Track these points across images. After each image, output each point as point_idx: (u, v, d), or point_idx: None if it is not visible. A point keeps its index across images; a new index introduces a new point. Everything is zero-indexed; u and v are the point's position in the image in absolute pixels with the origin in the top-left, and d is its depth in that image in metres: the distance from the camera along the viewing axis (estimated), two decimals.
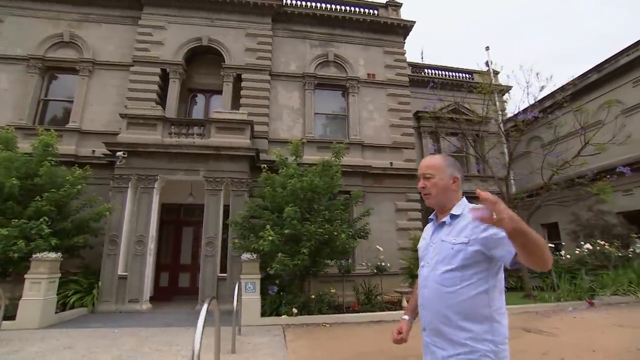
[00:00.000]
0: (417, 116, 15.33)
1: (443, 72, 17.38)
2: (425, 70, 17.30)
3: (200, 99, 12.59)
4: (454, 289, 1.33)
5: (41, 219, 7.04)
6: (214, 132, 9.75)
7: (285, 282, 8.12)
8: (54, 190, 7.42)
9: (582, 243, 9.78)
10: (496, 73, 16.58)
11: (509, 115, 12.76)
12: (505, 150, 14.53)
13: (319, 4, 13.03)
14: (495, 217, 1.08)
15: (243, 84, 11.57)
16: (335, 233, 7.31)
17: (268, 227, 7.01)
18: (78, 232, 8.02)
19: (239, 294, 6.19)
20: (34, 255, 6.75)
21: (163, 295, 10.09)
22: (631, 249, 9.89)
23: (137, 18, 11.73)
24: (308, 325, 6.93)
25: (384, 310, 7.95)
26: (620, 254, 9.52)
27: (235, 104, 11.38)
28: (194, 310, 8.44)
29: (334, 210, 7.85)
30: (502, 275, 1.35)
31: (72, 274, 8.37)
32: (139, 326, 6.71)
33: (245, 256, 7.33)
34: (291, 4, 12.76)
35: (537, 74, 10.54)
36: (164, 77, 11.41)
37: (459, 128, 12.96)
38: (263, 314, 7.23)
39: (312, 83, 12.20)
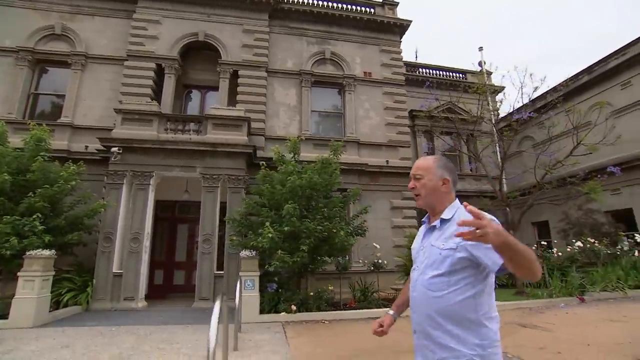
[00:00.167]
0: (412, 115, 15.46)
1: (437, 72, 17.57)
2: (419, 69, 17.45)
3: (196, 95, 12.45)
4: (441, 293, 1.33)
5: (34, 216, 6.87)
6: (210, 129, 9.66)
7: (284, 279, 8.13)
8: (47, 186, 7.25)
9: (574, 241, 10.04)
10: (489, 74, 16.83)
11: (503, 114, 12.92)
12: (498, 150, 14.81)
13: (316, 1, 13.00)
14: (479, 232, 1.08)
15: (240, 80, 11.48)
16: (335, 230, 7.34)
17: (267, 224, 6.99)
18: (72, 229, 7.86)
19: (238, 291, 6.18)
20: (27, 253, 6.59)
21: (158, 293, 9.97)
22: (619, 247, 10.19)
23: (130, 12, 11.51)
24: (307, 322, 6.95)
25: (380, 307, 8.02)
26: (609, 252, 9.80)
27: (232, 101, 11.29)
28: (191, 308, 8.38)
29: (332, 207, 7.87)
30: (491, 280, 1.34)
31: (65, 272, 8.20)
32: (135, 324, 6.62)
33: (245, 253, 7.30)
34: (288, 0, 12.69)
35: (531, 75, 10.75)
36: (159, 72, 11.24)
37: (452, 127, 13.13)
38: (262, 311, 7.22)
39: (308, 80, 12.19)
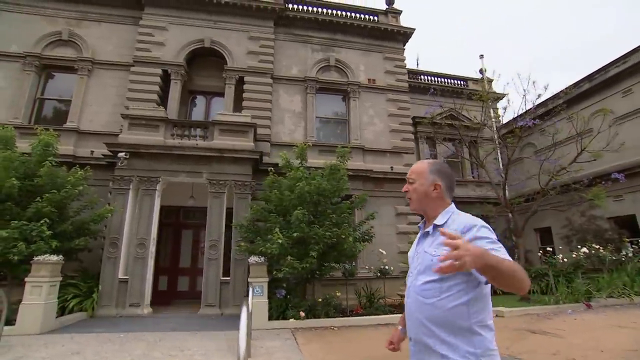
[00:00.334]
0: (414, 122, 15.54)
1: (438, 79, 17.71)
2: (421, 76, 17.60)
3: (201, 100, 12.50)
4: (433, 300, 1.31)
5: (42, 221, 6.83)
6: (217, 134, 9.68)
7: (291, 285, 8.09)
8: (54, 191, 7.22)
9: (579, 247, 10.06)
10: (490, 81, 17.02)
11: (506, 121, 13.03)
12: (499, 157, 14.91)
13: (320, 9, 13.15)
14: (457, 264, 1.05)
15: (245, 86, 11.55)
16: (343, 236, 7.34)
17: (277, 230, 6.98)
18: (78, 235, 7.82)
19: (248, 297, 6.15)
20: (35, 258, 6.55)
21: (162, 299, 9.88)
22: (623, 253, 10.23)
23: (137, 18, 11.60)
24: (316, 329, 6.91)
25: (387, 314, 7.99)
26: (614, 258, 9.84)
27: (237, 107, 11.34)
28: (197, 315, 8.32)
29: (340, 214, 7.89)
30: (486, 288, 1.30)
31: (70, 278, 8.13)
32: (143, 331, 6.57)
33: (253, 259, 7.28)
34: (293, 8, 12.84)
35: (534, 82, 10.85)
36: (165, 78, 11.29)
37: (454, 134, 13.23)
38: (270, 318, 7.17)
39: (313, 87, 12.27)
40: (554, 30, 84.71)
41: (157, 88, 11.04)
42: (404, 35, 13.60)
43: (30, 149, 7.82)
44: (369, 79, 12.87)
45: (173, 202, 10.80)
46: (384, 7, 14.02)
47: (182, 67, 11.30)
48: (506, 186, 11.51)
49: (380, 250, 9.67)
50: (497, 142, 15.05)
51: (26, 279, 6.44)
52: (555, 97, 12.81)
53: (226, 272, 8.93)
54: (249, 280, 7.08)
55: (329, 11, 13.20)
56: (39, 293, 6.36)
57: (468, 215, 1.40)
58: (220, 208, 9.20)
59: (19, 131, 9.41)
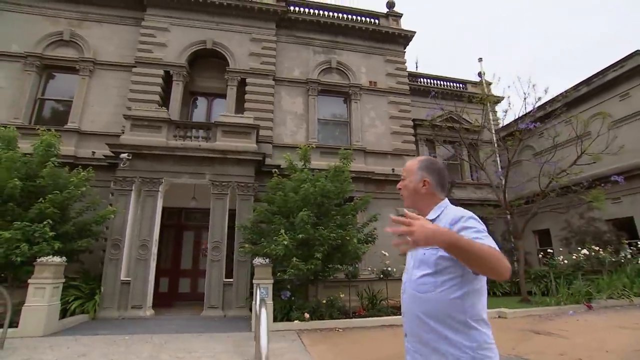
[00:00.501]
0: (414, 124, 15.63)
1: (437, 82, 17.82)
2: (420, 79, 17.69)
3: (202, 102, 12.48)
4: (428, 295, 1.32)
5: (45, 222, 6.77)
6: (220, 136, 9.67)
7: (295, 287, 8.08)
8: (57, 192, 7.17)
9: (580, 249, 10.17)
10: (489, 84, 17.18)
11: (505, 123, 13.15)
12: (498, 159, 15.04)
13: (322, 11, 13.21)
14: (410, 239, 1.07)
15: (247, 88, 11.55)
16: (348, 238, 7.36)
17: (282, 231, 6.98)
18: (80, 236, 7.76)
19: (255, 299, 6.14)
20: (38, 260, 6.49)
21: (163, 301, 9.80)
22: (622, 255, 10.35)
23: (138, 19, 11.58)
24: (321, 330, 6.91)
25: (390, 315, 8.00)
26: (613, 260, 9.95)
27: (239, 108, 11.34)
28: (200, 317, 8.27)
29: (344, 215, 7.90)
30: (481, 281, 1.31)
31: (72, 279, 8.05)
32: (147, 333, 6.52)
33: (258, 261, 7.26)
34: (295, 10, 12.89)
35: (534, 86, 10.98)
36: (166, 79, 11.27)
37: (454, 136, 13.33)
38: (274, 319, 7.15)
39: (315, 89, 12.31)
40: (553, 30, 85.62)
41: (158, 89, 11.01)
42: (405, 38, 13.70)
43: (32, 150, 7.77)
44: (370, 82, 12.94)
45: (174, 204, 10.76)
46: (384, 10, 14.13)
47: (184, 68, 11.28)
48: (506, 188, 11.58)
49: (383, 252, 9.68)
50: (495, 144, 15.19)
51: (29, 281, 6.38)
52: (554, 100, 12.95)
53: (228, 274, 8.91)
54: (254, 281, 7.06)
55: (331, 14, 13.27)
56: (42, 295, 6.30)
57: (459, 208, 1.41)
58: (223, 209, 9.18)
59: (20, 131, 9.31)
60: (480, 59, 17.86)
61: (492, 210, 12.22)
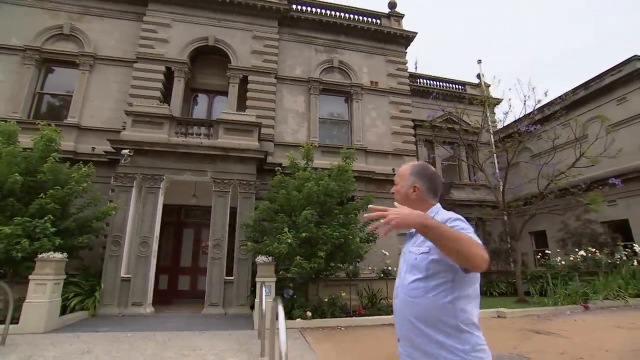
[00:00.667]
0: (414, 124, 15.71)
1: (436, 83, 17.90)
2: (419, 79, 17.76)
3: (203, 99, 12.42)
4: (419, 299, 1.33)
5: (46, 217, 6.70)
6: (222, 133, 9.64)
7: (297, 285, 8.09)
8: (58, 187, 7.10)
9: (577, 250, 10.31)
10: (487, 86, 17.32)
11: (504, 125, 13.27)
12: (496, 161, 15.17)
13: (324, 10, 13.21)
14: (384, 221, 1.17)
15: (249, 86, 11.52)
16: (351, 237, 7.39)
17: (286, 229, 6.99)
18: (80, 232, 7.70)
19: (260, 297, 6.16)
20: (39, 255, 6.44)
21: (162, 298, 9.76)
22: (617, 257, 10.52)
23: (140, 14, 11.49)
24: (324, 329, 6.93)
25: (390, 314, 8.05)
26: (609, 261, 10.11)
27: (240, 106, 11.31)
28: (200, 314, 8.25)
29: (347, 214, 7.93)
30: (473, 286, 1.32)
31: (71, 276, 7.97)
32: (149, 330, 6.49)
33: (261, 259, 7.26)
34: (297, 8, 12.87)
35: (534, 89, 11.10)
36: (168, 76, 11.20)
37: (452, 137, 13.43)
38: (276, 317, 7.15)
39: (317, 88, 12.32)
40: (553, 30, 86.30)
41: (160, 85, 10.94)
42: (406, 38, 13.75)
43: (32, 144, 7.68)
44: (371, 82, 12.98)
45: (174, 201, 10.70)
46: (386, 10, 14.17)
47: (186, 64, 11.22)
48: (505, 189, 11.70)
49: (383, 251, 9.75)
50: (493, 146, 15.32)
51: (30, 277, 6.32)
52: (552, 103, 13.10)
53: (229, 272, 8.89)
54: (257, 280, 7.06)
55: (333, 13, 13.28)
56: (43, 291, 6.24)
57: (449, 212, 1.44)
58: (225, 207, 9.16)
59: (19, 126, 9.23)
60: (479, 61, 18.08)
61: (491, 211, 12.34)
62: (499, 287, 12.56)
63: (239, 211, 9.19)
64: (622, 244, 11.05)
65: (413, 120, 15.28)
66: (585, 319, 7.68)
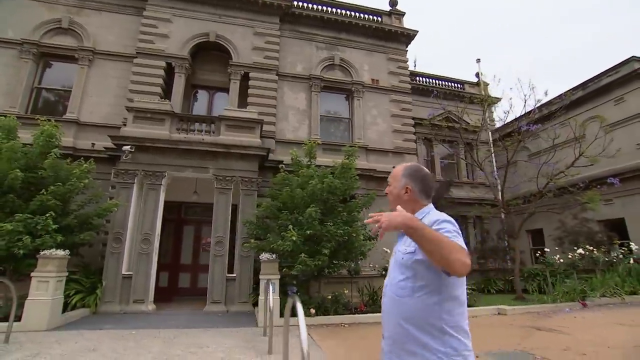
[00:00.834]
0: (414, 123, 15.76)
1: (435, 81, 17.93)
2: (417, 77, 17.79)
3: (203, 95, 12.32)
4: (406, 299, 1.34)
5: (48, 214, 6.62)
6: (223, 130, 9.58)
7: (300, 282, 8.10)
8: (59, 183, 7.01)
9: (575, 248, 10.46)
10: (486, 85, 17.41)
11: (504, 123, 13.35)
12: (494, 159, 15.29)
13: (325, 7, 13.16)
14: (377, 225, 1.24)
15: (250, 82, 11.45)
16: (354, 234, 7.41)
17: (290, 227, 6.98)
18: (81, 229, 7.62)
19: (264, 294, 6.15)
20: (41, 252, 6.35)
21: (163, 295, 9.68)
22: (614, 255, 10.69)
23: (139, 8, 11.34)
24: (328, 326, 6.95)
25: None
26: (606, 259, 10.27)
27: (241, 103, 11.24)
28: (202, 312, 8.23)
29: (350, 212, 7.95)
30: (460, 289, 1.34)
31: (72, 273, 7.88)
32: (153, 327, 6.46)
33: (265, 256, 7.25)
34: (299, 5, 12.81)
35: (533, 88, 11.18)
36: (168, 71, 11.08)
37: (451, 136, 13.49)
38: (280, 314, 7.15)
39: (318, 85, 12.29)
40: (553, 30, 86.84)
41: (160, 81, 10.83)
42: (407, 36, 13.76)
43: (32, 140, 7.57)
44: (372, 79, 12.98)
45: (175, 198, 10.60)
46: (387, 8, 14.15)
47: (187, 60, 11.12)
48: (504, 188, 11.79)
49: (385, 249, 9.75)
50: (491, 144, 15.43)
51: (32, 274, 6.24)
52: (551, 103, 13.21)
53: (230, 269, 8.86)
54: (261, 277, 7.04)
55: (334, 10, 13.23)
56: (46, 288, 6.17)
57: (441, 213, 1.46)
58: (227, 204, 9.12)
59: (17, 121, 9.09)
60: (478, 60, 18.08)
61: (490, 210, 12.45)
62: (497, 284, 12.69)
63: (240, 208, 9.16)
64: (619, 242, 11.23)
65: (413, 119, 15.35)
66: (585, 315, 7.79)
